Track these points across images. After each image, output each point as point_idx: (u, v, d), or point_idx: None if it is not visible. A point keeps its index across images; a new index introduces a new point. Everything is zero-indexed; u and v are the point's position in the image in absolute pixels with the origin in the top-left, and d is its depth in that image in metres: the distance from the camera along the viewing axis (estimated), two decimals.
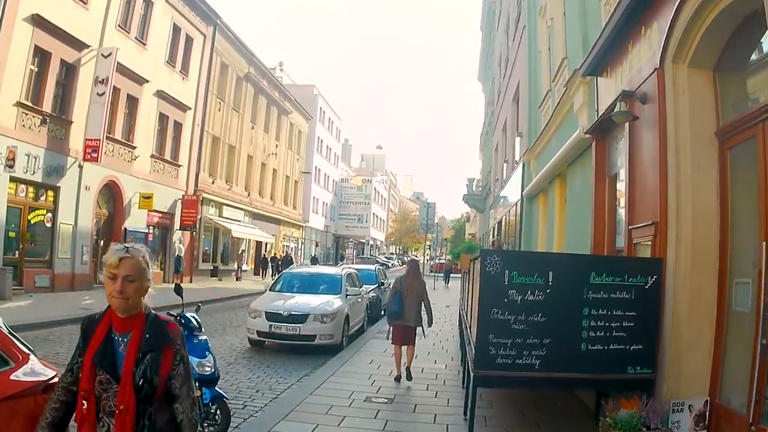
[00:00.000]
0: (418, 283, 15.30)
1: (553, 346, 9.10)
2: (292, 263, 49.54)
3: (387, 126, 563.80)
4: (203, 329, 10.79)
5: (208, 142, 49.98)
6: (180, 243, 45.44)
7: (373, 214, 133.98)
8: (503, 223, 35.24)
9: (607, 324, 9.18)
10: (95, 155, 32.84)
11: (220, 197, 52.34)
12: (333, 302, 19.94)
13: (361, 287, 24.52)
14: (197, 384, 9.40)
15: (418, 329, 15.42)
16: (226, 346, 19.77)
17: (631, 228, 10.97)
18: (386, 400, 12.63)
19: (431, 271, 56.68)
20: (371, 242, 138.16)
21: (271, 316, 18.89)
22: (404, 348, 14.92)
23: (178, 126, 44.63)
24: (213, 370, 9.96)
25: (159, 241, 43.87)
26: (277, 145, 67.86)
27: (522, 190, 26.56)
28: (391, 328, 15.17)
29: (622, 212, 12.54)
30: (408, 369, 14.64)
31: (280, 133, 69.21)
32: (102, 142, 33.02)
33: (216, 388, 9.95)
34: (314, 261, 68.35)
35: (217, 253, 54.04)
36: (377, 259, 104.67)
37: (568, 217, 18.61)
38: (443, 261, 75.52)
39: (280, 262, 55.84)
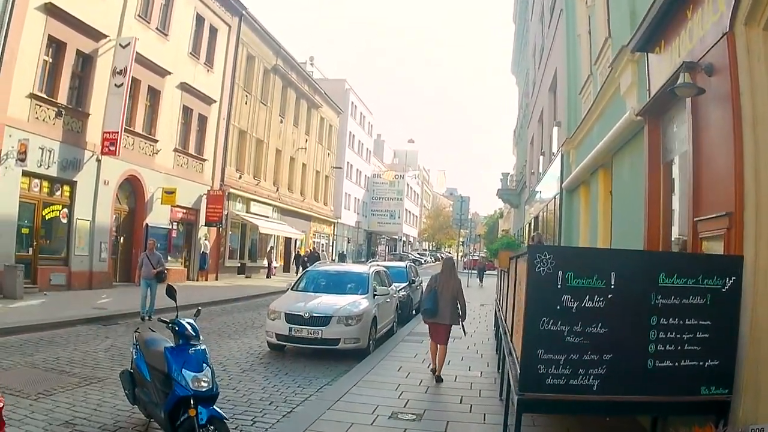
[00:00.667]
0: (454, 281, 15.12)
1: (614, 363, 7.47)
2: (319, 260, 47.74)
3: (419, 122, 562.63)
4: (201, 337, 9.37)
5: (235, 136, 48.83)
6: (205, 239, 44.34)
7: (406, 209, 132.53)
8: (540, 218, 33.63)
9: (678, 336, 7.54)
10: (113, 149, 31.76)
11: (248, 192, 51.13)
12: (359, 303, 18.39)
13: (391, 286, 22.91)
14: (192, 402, 8.22)
15: (459, 327, 15.38)
16: (244, 350, 18.37)
17: (696, 220, 9.39)
18: (414, 417, 11.11)
19: (464, 268, 55.59)
20: (404, 238, 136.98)
21: (292, 318, 17.36)
22: (439, 346, 14.86)
23: (202, 119, 43.54)
24: (211, 385, 8.58)
25: (183, 237, 42.93)
26: (306, 140, 66.71)
27: (561, 183, 24.99)
28: (428, 326, 15.31)
29: (681, 202, 11.02)
30: (439, 375, 14.54)
31: (310, 127, 67.95)
32: (120, 134, 31.92)
33: (215, 407, 8.59)
34: (342, 258, 66.92)
35: (245, 250, 52.75)
36: (409, 255, 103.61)
37: (614, 210, 17.04)
38: (477, 258, 74.33)
39: (306, 259, 53.68)
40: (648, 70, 12.72)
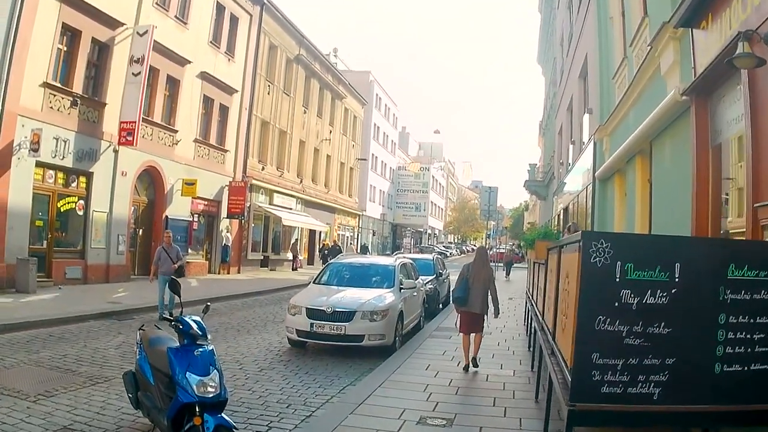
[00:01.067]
0: (486, 271, 15.23)
1: (677, 368, 6.41)
2: (340, 252, 46.70)
3: (444, 114, 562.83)
4: (209, 336, 8.45)
5: (257, 127, 48.02)
6: (227, 232, 43.55)
7: (431, 202, 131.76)
8: (570, 210, 32.61)
9: (748, 336, 6.51)
10: (130, 138, 31.00)
11: (271, 184, 50.31)
12: (385, 297, 17.39)
13: (417, 279, 21.94)
14: (198, 410, 7.31)
15: (489, 317, 15.45)
16: (263, 347, 17.49)
17: (757, 206, 8.48)
18: (445, 422, 10.16)
19: (491, 261, 53.84)
20: (429, 231, 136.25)
21: (313, 314, 16.42)
22: (472, 336, 14.83)
23: (224, 109, 42.78)
24: (218, 390, 7.61)
25: (205, 229, 42.21)
26: (330, 131, 65.77)
27: (593, 173, 24.04)
28: (458, 315, 15.22)
29: (734, 187, 10.06)
30: (475, 358, 14.68)
31: (334, 118, 67.01)
32: (138, 124, 31.13)
33: (223, 415, 7.64)
34: (364, 250, 65.94)
35: (268, 242, 51.91)
36: (435, 248, 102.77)
37: (654, 198, 16.09)
38: (503, 251, 73.35)
39: (326, 252, 52.40)
40: (693, 47, 11.85)
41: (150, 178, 35.56)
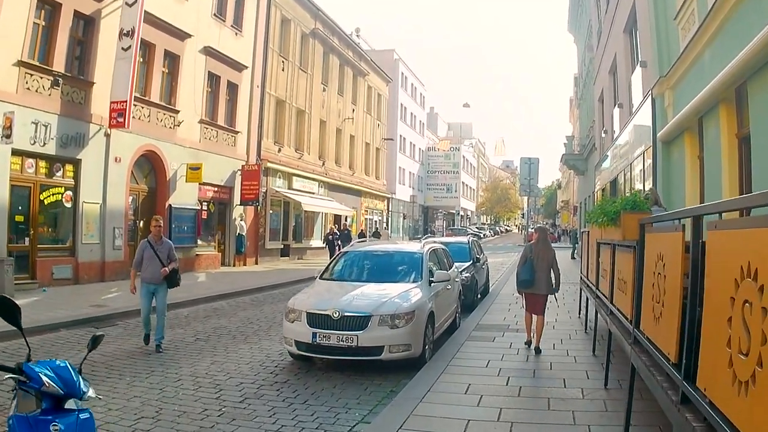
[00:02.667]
0: (548, 251, 14.97)
1: None
2: (350, 240, 42.69)
3: (473, 94, 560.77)
4: (88, 389, 4.99)
5: (271, 106, 44.57)
6: (241, 220, 40.20)
7: (463, 183, 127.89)
8: (620, 180, 28.81)
9: None
10: (122, 120, 27.75)
11: (289, 167, 46.84)
12: (410, 294, 13.64)
13: (451, 268, 18.28)
14: None
15: (551, 297, 15.20)
16: (257, 361, 13.92)
17: None
18: None
19: (528, 242, 49.48)
20: (461, 213, 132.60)
21: (316, 320, 12.72)
22: (534, 318, 14.81)
23: (232, 87, 39.48)
24: None
25: (216, 218, 39.03)
26: (353, 110, 62.23)
27: (654, 134, 20.25)
28: (523, 296, 15.30)
29: None
30: (537, 346, 14.42)
31: (357, 97, 63.52)
32: (129, 103, 27.80)
33: None
34: (376, 235, 61.27)
35: (288, 230, 48.32)
36: (468, 229, 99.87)
37: (754, 157, 12.24)
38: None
39: (336, 238, 46.46)
40: None
41: (150, 164, 32.41)
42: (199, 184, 35.26)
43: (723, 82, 12.83)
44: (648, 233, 7.33)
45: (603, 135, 36.80)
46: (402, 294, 13.60)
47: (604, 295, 11.47)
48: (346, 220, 58.82)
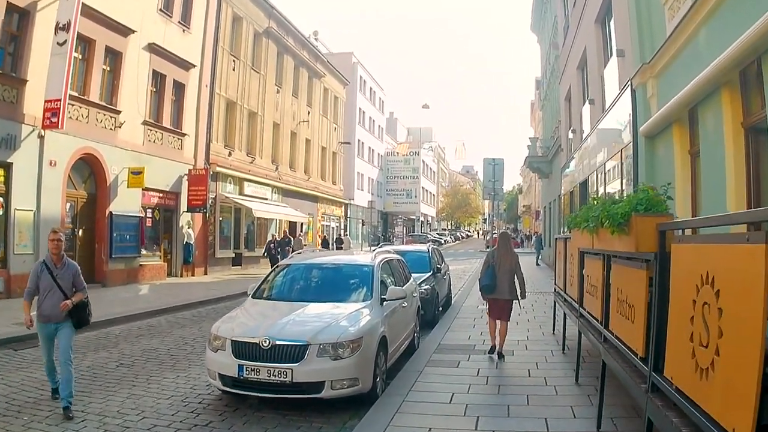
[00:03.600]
0: (510, 256, 14.97)
1: None
2: (290, 245, 40.40)
3: (432, 100, 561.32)
4: None
5: (221, 107, 42.31)
6: (189, 228, 37.81)
7: (423, 188, 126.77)
8: (591, 180, 26.88)
9: None
10: (56, 120, 25.51)
11: (240, 172, 44.43)
12: (358, 316, 11.49)
13: (408, 281, 16.20)
14: None
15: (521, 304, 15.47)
16: (180, 395, 11.72)
17: None
18: None
19: (489, 248, 47.55)
20: (421, 218, 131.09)
21: (242, 350, 10.54)
22: (499, 323, 14.68)
23: (179, 87, 37.20)
24: None
25: (162, 226, 36.65)
26: (309, 112, 59.89)
27: (634, 129, 18.28)
28: (486, 302, 15.27)
29: None
30: (501, 352, 14.38)
31: (312, 99, 61.23)
32: (64, 102, 25.62)
33: None
34: (339, 242, 58.92)
35: (240, 238, 45.79)
36: (428, 235, 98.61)
37: None
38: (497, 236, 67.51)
39: (274, 247, 42.85)
40: None
41: (89, 169, 30.14)
42: (143, 189, 33.11)
43: (726, 64, 10.90)
44: (678, 244, 5.49)
45: (571, 135, 34.96)
46: (348, 316, 11.44)
47: (592, 316, 9.61)
48: (302, 228, 56.70)
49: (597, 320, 9.17)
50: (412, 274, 17.80)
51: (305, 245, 47.04)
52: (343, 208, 75.85)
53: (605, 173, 23.46)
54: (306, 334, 10.50)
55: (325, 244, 58.17)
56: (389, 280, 14.05)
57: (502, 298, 14.63)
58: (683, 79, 13.58)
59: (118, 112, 31.10)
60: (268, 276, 14.34)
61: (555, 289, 16.59)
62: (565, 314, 14.26)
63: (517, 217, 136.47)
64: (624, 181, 19.93)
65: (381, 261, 14.36)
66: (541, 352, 14.80)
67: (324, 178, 66.10)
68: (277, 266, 15.18)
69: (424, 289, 19.17)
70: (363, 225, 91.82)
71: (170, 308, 23.66)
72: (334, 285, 13.33)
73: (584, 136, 29.19)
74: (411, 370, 12.85)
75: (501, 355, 14.14)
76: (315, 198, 62.36)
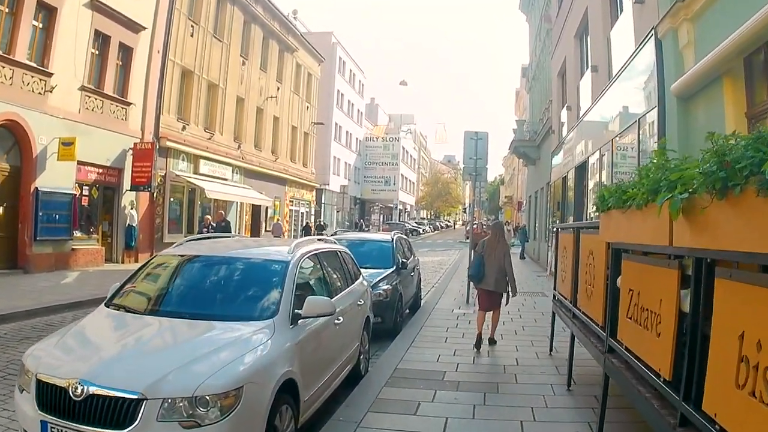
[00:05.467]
0: (500, 247, 14.52)
1: None
2: (230, 231, 35.69)
3: (414, 85, 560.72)
4: None
5: (175, 76, 37.90)
6: (132, 208, 33.50)
7: (402, 175, 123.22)
8: (601, 162, 22.66)
9: None
10: None
11: (196, 148, 40.03)
12: (245, 346, 7.14)
13: (355, 282, 11.91)
14: None
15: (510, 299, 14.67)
16: None
17: None
18: None
19: (468, 238, 40.89)
20: (400, 207, 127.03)
21: (47, 396, 6.21)
22: (490, 314, 14.47)
23: (126, 51, 32.87)
24: None
25: (101, 205, 32.38)
26: (278, 88, 55.24)
27: (660, 89, 14.22)
28: (477, 292, 15.02)
29: None
30: (492, 338, 14.40)
31: (283, 74, 56.68)
32: None
33: None
34: (320, 229, 54.16)
35: (194, 221, 41.06)
36: (406, 224, 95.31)
37: None
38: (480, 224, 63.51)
39: (207, 230, 35.12)
40: None
41: (12, 137, 26.12)
42: (79, 163, 29.10)
43: None
44: None
45: (565, 113, 31.09)
46: (230, 345, 7.06)
47: (642, 363, 5.63)
48: (288, 213, 52.60)
49: (653, 372, 5.18)
50: (371, 270, 14.61)
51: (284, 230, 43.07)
52: (314, 192, 71.32)
53: (617, 150, 19.33)
54: (143, 379, 6.08)
55: (306, 231, 53.41)
56: (317, 285, 9.83)
57: (489, 290, 14.32)
58: (736, 16, 9.68)
59: (50, 75, 27.01)
60: (133, 275, 9.52)
61: (555, 296, 12.57)
62: (573, 337, 10.20)
63: (498, 208, 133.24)
64: (642, 155, 15.85)
65: (303, 255, 9.47)
66: (538, 387, 10.59)
67: (294, 159, 61.65)
68: (148, 261, 10.25)
69: (383, 290, 15.28)
70: (338, 212, 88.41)
71: (87, 301, 19.27)
72: (223, 291, 8.83)
73: (584, 111, 25.22)
74: (345, 421, 8.64)
75: (492, 341, 14.28)
76: (283, 180, 57.73)
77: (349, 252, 12.73)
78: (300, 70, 61.98)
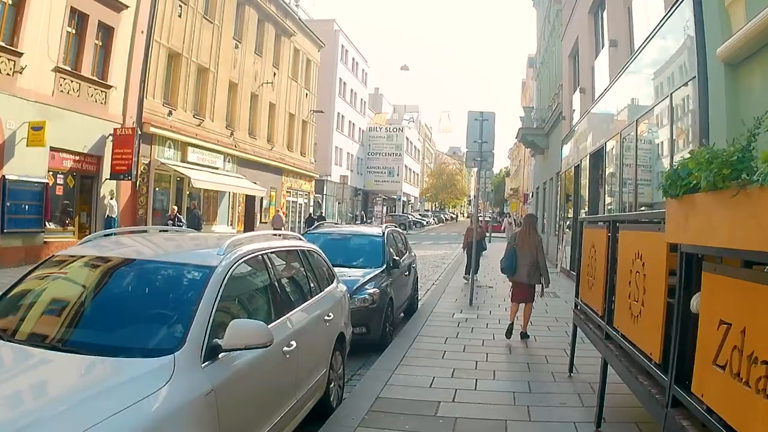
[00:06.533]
0: (532, 239, 14.46)
1: None
2: (199, 225, 33.16)
3: (418, 78, 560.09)
4: None
5: (161, 58, 35.64)
6: (112, 198, 31.25)
7: (406, 166, 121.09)
8: (611, 146, 20.33)
9: None
10: None
11: (184, 134, 37.74)
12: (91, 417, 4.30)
13: (324, 289, 9.34)
14: None
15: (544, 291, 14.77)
16: None
17: None
18: None
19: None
20: (404, 198, 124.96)
21: None
22: (522, 306, 14.40)
23: (107, 31, 30.74)
24: None
25: (78, 195, 30.35)
26: (275, 74, 52.94)
27: (701, 56, 11.89)
28: (511, 284, 14.81)
29: None
30: (524, 331, 14.23)
31: (279, 59, 54.24)
32: None
33: None
34: (310, 223, 51.96)
35: (182, 212, 38.10)
36: (409, 216, 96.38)
37: None
38: (488, 220, 61.02)
39: (173, 222, 33.18)
40: None
41: None
42: (51, 150, 27.10)
43: None
44: None
45: (578, 97, 28.87)
46: (81, 403, 4.49)
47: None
48: (284, 204, 50.35)
49: None
50: (356, 271, 13.07)
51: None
52: (313, 183, 68.60)
53: (637, 135, 16.99)
54: None
55: (310, 222, 51.02)
56: (259, 300, 7.42)
57: (522, 282, 14.23)
58: None
59: (19, 54, 25.12)
60: (18, 282, 6.84)
61: (578, 305, 10.25)
62: (605, 363, 7.87)
63: (503, 201, 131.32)
64: (677, 137, 13.49)
65: (239, 259, 6.79)
66: (558, 428, 8.29)
67: (291, 148, 59.17)
68: (42, 262, 7.34)
69: (369, 294, 12.96)
70: (340, 204, 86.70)
71: None
72: (112, 309, 6.15)
73: (599, 93, 22.99)
74: None
75: (525, 335, 14.11)
76: (279, 170, 55.22)
77: (319, 251, 10.16)
78: (298, 56, 59.70)
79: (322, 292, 9.18)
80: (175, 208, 34.09)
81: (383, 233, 16.46)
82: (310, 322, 8.19)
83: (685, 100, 12.78)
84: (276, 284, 7.63)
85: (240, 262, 6.76)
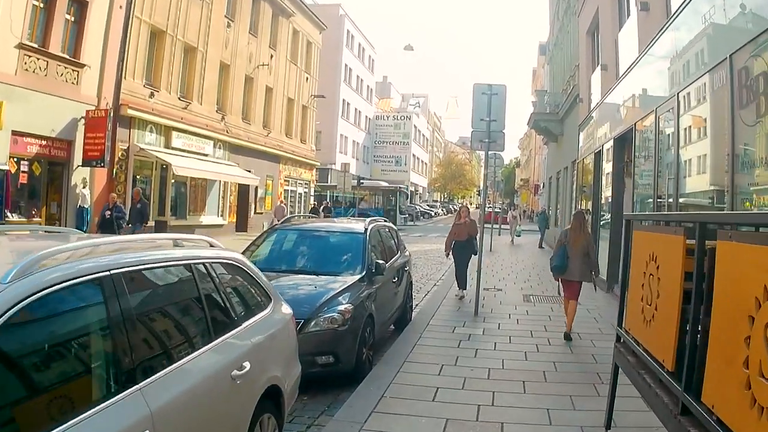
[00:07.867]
0: (584, 236, 14.42)
1: None
2: (145, 217, 29.42)
3: (428, 67, 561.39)
4: None
5: (143, 35, 32.94)
6: (84, 187, 28.82)
7: (414, 155, 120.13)
8: (652, 127, 17.21)
9: None
10: None
11: (168, 118, 35.00)
12: None
13: (228, 329, 5.80)
14: None
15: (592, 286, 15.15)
16: None
17: None
18: None
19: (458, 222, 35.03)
20: (412, 188, 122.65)
21: None
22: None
23: (80, 5, 28.31)
24: None
25: (46, 183, 28.13)
26: (272, 56, 50.16)
27: None
28: (559, 282, 14.82)
29: None
30: (567, 332, 13.99)
31: (277, 40, 51.48)
32: None
33: None
34: (326, 210, 49.57)
35: (166, 202, 36.01)
36: (416, 206, 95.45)
37: None
38: (498, 211, 57.73)
39: (118, 216, 27.79)
40: None
41: None
42: (13, 134, 24.85)
43: None
44: None
45: (599, 75, 26.19)
46: None
47: None
48: (282, 193, 47.93)
49: None
50: (324, 279, 10.90)
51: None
52: (314, 171, 65.93)
53: (678, 112, 14.00)
54: None
55: (314, 211, 49.54)
56: (76, 365, 4.15)
57: (572, 280, 14.19)
58: None
59: None
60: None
61: (620, 339, 7.27)
62: (617, 367, 5.06)
63: (514, 192, 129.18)
64: (742, 107, 10.37)
65: (30, 294, 3.60)
66: None
67: (290, 134, 56.41)
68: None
69: (338, 312, 9.97)
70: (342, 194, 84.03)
71: None
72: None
73: (625, 68, 20.18)
74: None
75: (567, 337, 13.78)
76: (276, 158, 52.59)
77: (245, 261, 6.94)
78: (298, 37, 56.94)
79: (236, 329, 5.94)
80: (115, 195, 29.09)
81: (365, 230, 13.21)
82: (195, 387, 4.98)
83: (749, 62, 9.86)
84: (123, 329, 4.29)
85: (40, 294, 3.66)
